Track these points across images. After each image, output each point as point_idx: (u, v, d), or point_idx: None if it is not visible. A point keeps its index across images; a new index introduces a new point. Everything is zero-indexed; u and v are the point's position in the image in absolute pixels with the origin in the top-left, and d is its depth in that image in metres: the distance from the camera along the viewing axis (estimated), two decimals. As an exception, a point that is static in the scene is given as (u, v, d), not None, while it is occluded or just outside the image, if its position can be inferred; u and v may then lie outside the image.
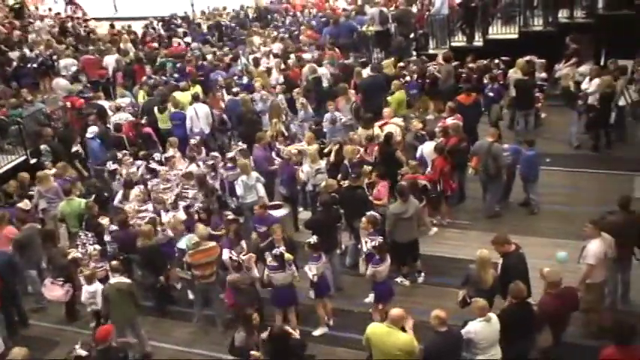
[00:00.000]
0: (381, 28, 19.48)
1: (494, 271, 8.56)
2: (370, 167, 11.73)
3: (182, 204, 11.50)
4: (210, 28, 24.87)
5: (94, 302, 9.82)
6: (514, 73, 14.96)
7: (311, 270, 9.42)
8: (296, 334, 8.44)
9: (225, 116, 15.46)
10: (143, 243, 10.27)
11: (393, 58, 17.65)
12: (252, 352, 7.96)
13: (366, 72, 16.32)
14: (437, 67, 16.31)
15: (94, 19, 30.51)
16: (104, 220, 11.34)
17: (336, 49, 18.79)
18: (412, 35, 19.51)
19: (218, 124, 15.40)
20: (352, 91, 15.38)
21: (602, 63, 15.98)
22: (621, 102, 13.74)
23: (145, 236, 10.28)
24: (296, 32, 22.08)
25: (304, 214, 12.47)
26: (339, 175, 11.76)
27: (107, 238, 10.94)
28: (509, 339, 7.67)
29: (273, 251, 9.27)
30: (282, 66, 17.75)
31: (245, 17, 26.14)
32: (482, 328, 7.48)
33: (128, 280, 9.66)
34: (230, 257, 9.52)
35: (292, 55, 18.48)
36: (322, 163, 12.38)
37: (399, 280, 10.64)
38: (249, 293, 9.39)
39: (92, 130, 14.66)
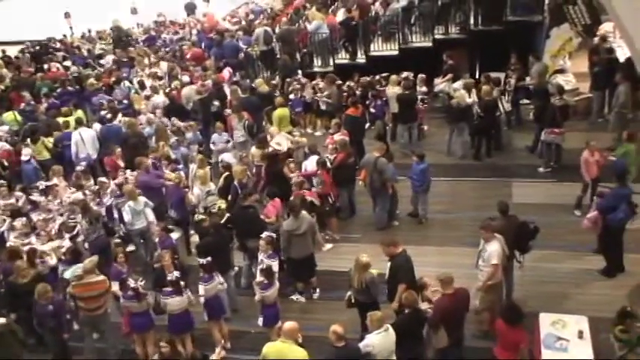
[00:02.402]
0: (266, 47, 19.59)
1: (370, 276, 8.78)
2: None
3: (67, 235, 11.02)
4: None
5: None
6: (389, 89, 15.49)
7: (200, 291, 9.28)
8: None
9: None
10: (16, 280, 9.72)
11: (263, 77, 17.97)
12: None
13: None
14: (324, 92, 16.53)
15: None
16: None
17: (228, 69, 18.75)
18: (297, 54, 19.74)
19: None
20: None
21: (476, 76, 16.80)
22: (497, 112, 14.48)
23: (19, 273, 9.72)
24: (178, 53, 21.79)
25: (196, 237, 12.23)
26: (230, 197, 11.71)
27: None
28: (404, 347, 7.85)
29: (169, 277, 9.07)
30: (167, 89, 17.47)
31: (127, 37, 25.55)
32: (380, 340, 7.59)
33: (3, 320, 9.08)
34: (127, 284, 9.13)
35: (179, 76, 18.23)
36: (212, 185, 12.27)
37: (294, 297, 10.68)
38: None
39: (27, 153, 14.12)
